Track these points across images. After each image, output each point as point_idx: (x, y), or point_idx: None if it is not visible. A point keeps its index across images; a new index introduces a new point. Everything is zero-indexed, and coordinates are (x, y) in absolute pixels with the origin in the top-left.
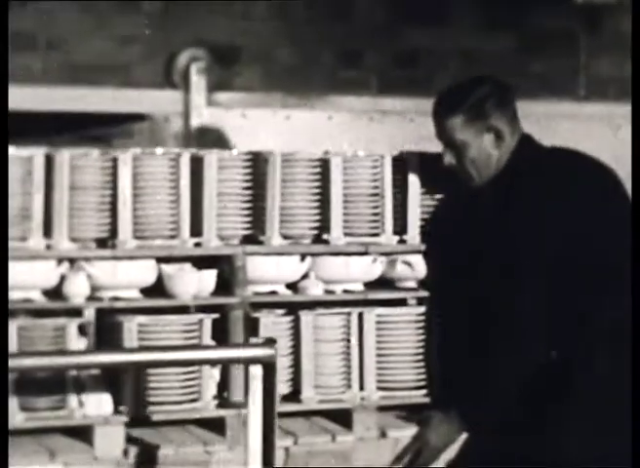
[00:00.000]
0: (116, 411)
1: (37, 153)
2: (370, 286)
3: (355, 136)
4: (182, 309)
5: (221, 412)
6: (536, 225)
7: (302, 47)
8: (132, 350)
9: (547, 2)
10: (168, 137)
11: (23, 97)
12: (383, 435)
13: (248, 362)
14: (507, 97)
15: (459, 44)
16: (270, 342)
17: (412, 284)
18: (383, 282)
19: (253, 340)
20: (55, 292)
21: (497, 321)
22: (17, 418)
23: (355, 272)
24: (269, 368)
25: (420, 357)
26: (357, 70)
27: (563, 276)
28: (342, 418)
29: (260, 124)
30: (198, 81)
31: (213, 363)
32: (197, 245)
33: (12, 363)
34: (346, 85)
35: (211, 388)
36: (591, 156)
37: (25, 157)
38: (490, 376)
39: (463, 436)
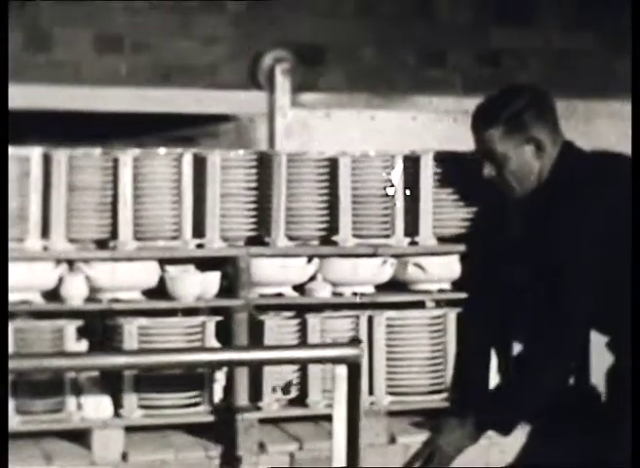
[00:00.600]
0: (116, 415)
1: (34, 153)
2: (383, 288)
3: (439, 137)
4: (186, 311)
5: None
6: (580, 236)
7: (387, 46)
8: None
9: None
10: (253, 138)
11: (109, 99)
12: (393, 441)
13: (333, 361)
14: (547, 105)
15: (542, 43)
16: (355, 342)
17: (425, 286)
18: (398, 285)
19: (338, 340)
20: (54, 294)
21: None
22: (13, 421)
23: (364, 274)
24: (354, 367)
25: (435, 361)
26: (441, 70)
27: (609, 285)
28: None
29: (344, 124)
30: (283, 82)
31: (296, 362)
32: (200, 246)
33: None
34: (430, 85)
35: (216, 392)
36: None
37: (23, 157)
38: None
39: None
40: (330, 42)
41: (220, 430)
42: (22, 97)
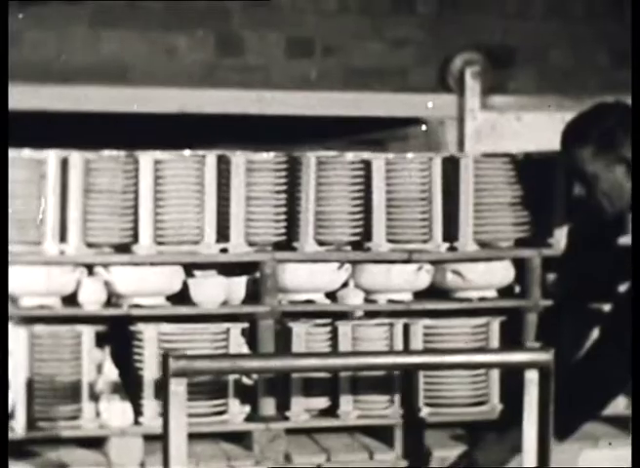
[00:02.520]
0: (135, 422)
1: (51, 155)
2: (422, 296)
3: None
4: (212, 318)
5: (249, 427)
6: None
7: (577, 47)
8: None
9: None
10: (442, 141)
11: (299, 103)
12: (429, 454)
13: (525, 366)
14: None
15: None
16: (547, 347)
17: (466, 294)
18: (439, 292)
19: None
20: (73, 299)
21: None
22: (30, 427)
23: (398, 281)
24: (546, 372)
25: (477, 372)
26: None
27: None
28: (385, 436)
29: (534, 127)
30: (473, 84)
31: (482, 367)
32: (223, 251)
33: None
34: (622, 86)
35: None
36: None
37: (39, 159)
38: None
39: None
40: (520, 44)
41: (247, 439)
42: (215, 101)
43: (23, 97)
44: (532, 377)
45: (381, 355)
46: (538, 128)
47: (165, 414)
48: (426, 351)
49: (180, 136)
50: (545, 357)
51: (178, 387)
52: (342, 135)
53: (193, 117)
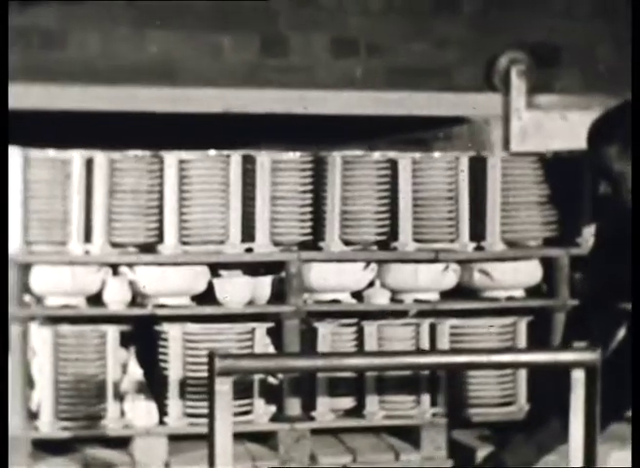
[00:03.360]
0: (160, 422)
1: (76, 155)
2: (449, 295)
3: None
4: (237, 317)
5: (275, 427)
6: None
7: (623, 46)
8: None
9: None
10: (487, 140)
11: (344, 102)
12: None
13: (571, 366)
14: None
15: None
16: (593, 346)
17: (493, 294)
18: (466, 292)
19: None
20: (98, 299)
21: None
22: (54, 427)
23: (425, 280)
24: (592, 372)
25: (504, 372)
26: None
27: None
28: (411, 436)
29: (580, 126)
30: (518, 84)
31: (529, 366)
32: (249, 250)
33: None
34: None
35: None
36: None
37: (64, 159)
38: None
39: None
40: (566, 43)
41: (272, 440)
42: (259, 101)
43: (70, 98)
44: (578, 377)
45: (438, 354)
46: (583, 127)
47: (210, 414)
48: (472, 351)
49: (225, 136)
50: (592, 356)
51: (223, 386)
52: (387, 134)
53: (238, 117)
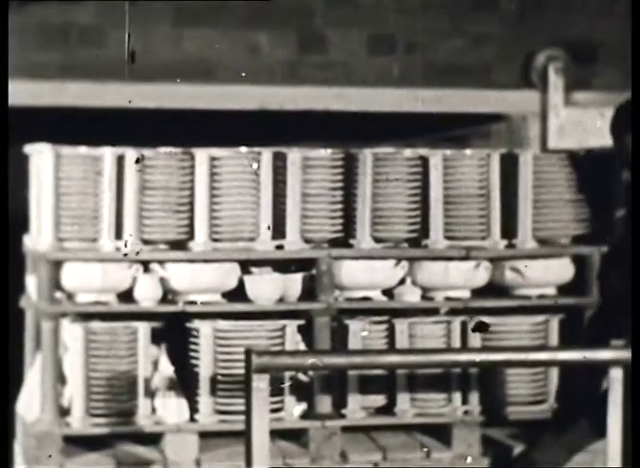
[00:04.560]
0: (191, 419)
1: (107, 152)
2: (481, 293)
3: None
4: (267, 314)
5: (305, 424)
6: None
7: None
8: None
9: None
10: (525, 137)
11: (381, 99)
12: (485, 453)
13: (609, 364)
14: None
15: None
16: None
17: (525, 291)
18: (497, 290)
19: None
20: (129, 296)
21: None
22: (85, 423)
23: (455, 278)
24: (629, 370)
25: (536, 370)
26: None
27: None
28: (442, 434)
29: None
30: (556, 81)
31: (568, 365)
32: (279, 247)
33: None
34: None
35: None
36: None
37: (95, 156)
38: None
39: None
40: (603, 40)
41: (303, 437)
42: (297, 98)
43: (110, 95)
44: (616, 375)
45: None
46: None
47: (247, 411)
48: (509, 349)
49: (256, 133)
50: (630, 355)
51: (260, 383)
52: (425, 132)
53: (272, 115)
